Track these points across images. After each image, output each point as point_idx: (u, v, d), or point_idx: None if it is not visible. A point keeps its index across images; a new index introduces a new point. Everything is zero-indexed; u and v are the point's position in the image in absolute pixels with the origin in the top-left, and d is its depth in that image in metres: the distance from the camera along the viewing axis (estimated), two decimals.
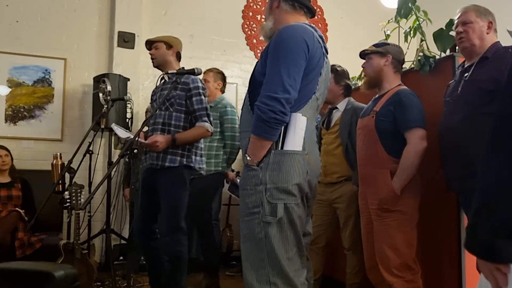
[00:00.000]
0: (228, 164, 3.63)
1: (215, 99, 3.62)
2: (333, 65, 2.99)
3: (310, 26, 1.83)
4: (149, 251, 2.84)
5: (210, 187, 3.53)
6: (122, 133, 2.77)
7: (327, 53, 1.89)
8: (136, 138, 2.51)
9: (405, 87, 2.45)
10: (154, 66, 3.00)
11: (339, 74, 2.98)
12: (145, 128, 2.92)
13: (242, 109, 1.91)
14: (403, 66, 2.64)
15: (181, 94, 2.78)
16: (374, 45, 2.56)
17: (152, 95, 3.06)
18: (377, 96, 2.54)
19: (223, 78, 3.75)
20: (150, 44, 2.97)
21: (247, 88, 1.90)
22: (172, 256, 2.72)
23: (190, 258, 3.59)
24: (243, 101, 1.94)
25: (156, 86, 3.04)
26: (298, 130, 1.72)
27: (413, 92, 2.40)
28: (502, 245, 0.79)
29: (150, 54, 2.95)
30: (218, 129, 3.50)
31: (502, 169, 0.81)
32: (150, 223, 2.81)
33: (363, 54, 2.58)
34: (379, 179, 2.36)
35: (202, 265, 3.61)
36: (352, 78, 3.41)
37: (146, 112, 4.28)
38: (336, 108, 3.01)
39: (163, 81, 2.97)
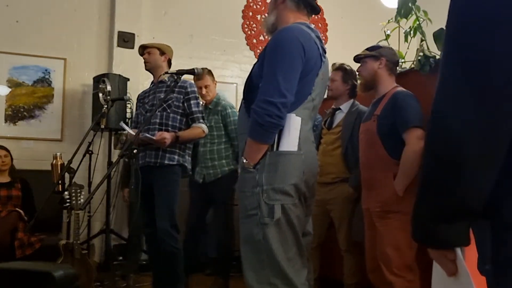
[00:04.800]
0: (237, 161, 3.64)
1: (213, 99, 3.58)
2: (342, 64, 3.01)
3: (307, 26, 1.83)
4: (155, 250, 2.89)
5: (230, 185, 3.55)
6: (131, 130, 2.87)
7: (325, 53, 1.88)
8: (145, 135, 2.68)
9: (402, 89, 2.46)
10: (146, 69, 3.10)
11: (347, 73, 2.98)
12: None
13: (239, 111, 1.92)
14: (403, 66, 2.63)
15: (179, 97, 2.92)
16: (367, 49, 2.58)
17: (140, 98, 3.12)
18: (375, 100, 2.55)
19: (212, 74, 3.66)
20: (143, 49, 3.09)
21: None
22: (170, 253, 2.77)
23: (198, 258, 3.62)
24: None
25: (144, 91, 3.15)
26: (293, 131, 1.72)
27: (409, 93, 2.41)
28: (442, 230, 0.78)
29: (144, 58, 3.07)
30: (223, 132, 3.49)
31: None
32: (155, 223, 2.84)
33: (357, 59, 2.60)
34: (382, 182, 2.36)
35: (216, 265, 3.62)
36: None
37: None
38: (340, 109, 3.00)
39: (153, 85, 3.08)
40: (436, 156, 0.76)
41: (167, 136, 2.75)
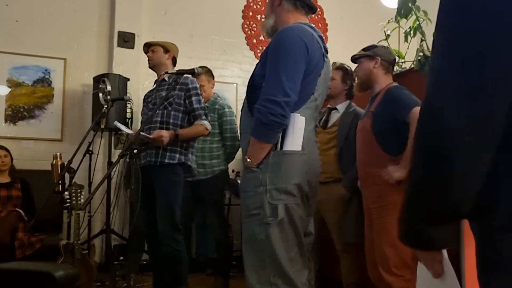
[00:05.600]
0: (227, 162, 3.65)
1: (210, 98, 3.60)
2: (342, 64, 3.02)
3: (309, 26, 1.83)
4: (156, 251, 2.87)
5: (220, 186, 3.58)
6: (126, 128, 2.84)
7: (327, 53, 1.89)
8: (141, 134, 2.61)
9: (395, 84, 2.48)
10: (150, 67, 3.08)
11: (348, 73, 2.99)
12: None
13: (241, 111, 1.92)
14: (403, 66, 2.63)
15: (180, 94, 2.86)
16: (363, 49, 2.59)
17: (145, 98, 3.11)
18: (371, 97, 2.56)
19: (212, 74, 3.70)
20: (147, 47, 3.06)
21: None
22: (173, 256, 2.73)
23: (190, 258, 3.62)
24: (243, 101, 1.95)
25: (150, 90, 3.12)
26: (297, 130, 1.72)
27: (402, 86, 2.43)
28: (431, 232, 0.78)
29: (147, 56, 3.04)
30: (217, 130, 3.51)
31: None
32: (156, 223, 2.82)
33: (353, 59, 2.61)
34: (378, 178, 2.36)
35: (216, 265, 3.63)
36: None
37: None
38: (336, 109, 3.01)
39: (156, 84, 3.06)
40: (428, 152, 0.76)
41: (165, 134, 2.70)
